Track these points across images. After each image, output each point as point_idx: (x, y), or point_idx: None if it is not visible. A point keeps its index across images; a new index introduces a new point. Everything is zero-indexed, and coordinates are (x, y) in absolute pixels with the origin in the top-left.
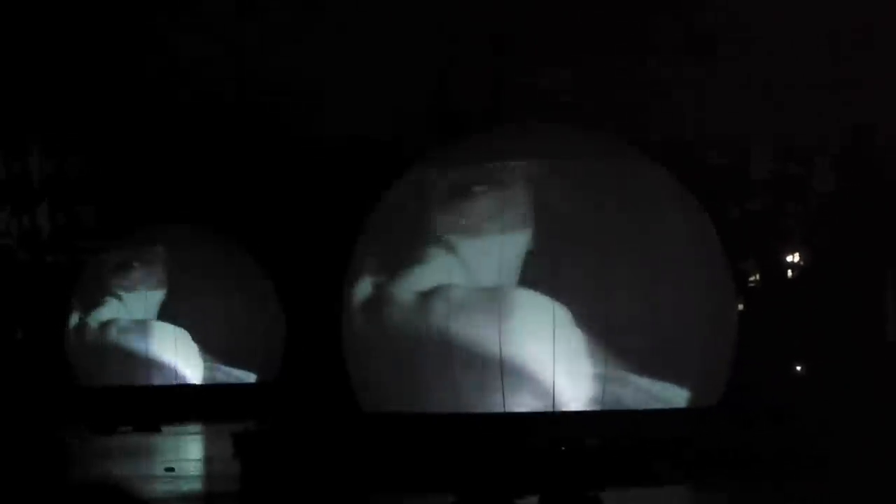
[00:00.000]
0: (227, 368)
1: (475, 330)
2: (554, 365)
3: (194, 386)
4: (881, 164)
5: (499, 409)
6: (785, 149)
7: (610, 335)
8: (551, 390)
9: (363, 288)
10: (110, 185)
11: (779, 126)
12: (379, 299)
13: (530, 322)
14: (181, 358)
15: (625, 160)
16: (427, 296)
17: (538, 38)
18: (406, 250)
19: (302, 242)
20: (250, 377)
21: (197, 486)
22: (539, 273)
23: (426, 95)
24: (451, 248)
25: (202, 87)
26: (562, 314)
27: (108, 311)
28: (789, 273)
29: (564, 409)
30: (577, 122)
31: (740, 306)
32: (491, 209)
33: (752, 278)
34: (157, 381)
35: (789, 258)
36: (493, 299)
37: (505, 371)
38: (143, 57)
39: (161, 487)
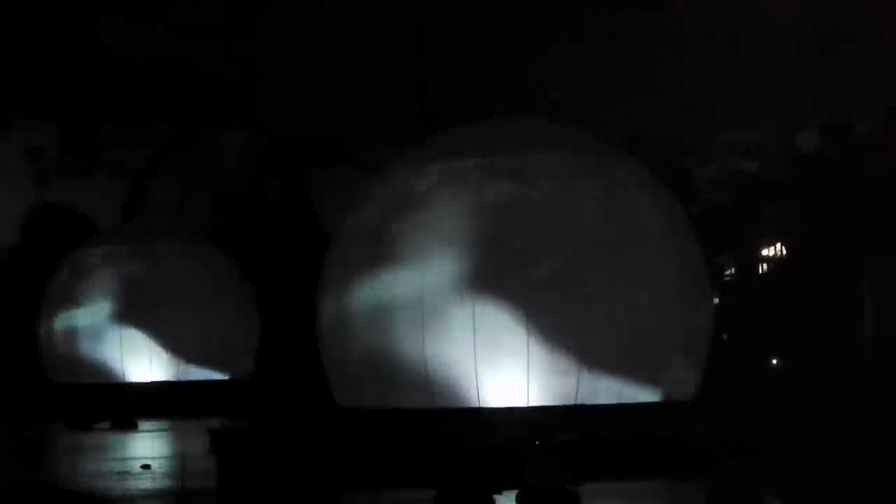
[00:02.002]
0: (203, 367)
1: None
2: (528, 362)
3: (170, 383)
4: (858, 162)
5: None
6: (762, 144)
7: (584, 332)
8: (526, 387)
9: (326, 292)
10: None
11: (756, 122)
12: (337, 305)
13: (502, 320)
14: (155, 357)
15: (598, 155)
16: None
17: (521, 34)
18: (358, 259)
19: (280, 243)
20: (225, 375)
21: (173, 482)
22: (512, 272)
23: (406, 95)
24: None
25: (189, 86)
26: (535, 313)
27: (80, 312)
28: (766, 267)
29: (538, 404)
30: (556, 118)
31: (716, 300)
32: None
33: (727, 272)
34: (132, 379)
35: (765, 252)
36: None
37: (478, 369)
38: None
39: (137, 484)
